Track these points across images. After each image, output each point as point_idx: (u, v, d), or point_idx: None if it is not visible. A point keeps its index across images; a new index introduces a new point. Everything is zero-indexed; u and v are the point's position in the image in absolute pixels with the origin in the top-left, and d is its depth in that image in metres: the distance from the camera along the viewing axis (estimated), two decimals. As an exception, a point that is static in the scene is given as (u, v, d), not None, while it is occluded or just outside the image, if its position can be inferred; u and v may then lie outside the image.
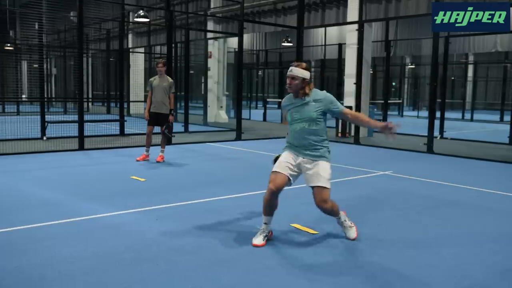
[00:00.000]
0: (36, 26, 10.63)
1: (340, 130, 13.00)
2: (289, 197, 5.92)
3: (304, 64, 4.11)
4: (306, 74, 4.04)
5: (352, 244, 4.13)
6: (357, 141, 11.68)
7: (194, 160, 8.85)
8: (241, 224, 4.66)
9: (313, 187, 4.03)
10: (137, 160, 8.28)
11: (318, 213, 5.12)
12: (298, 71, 4.03)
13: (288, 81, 4.06)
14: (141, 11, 15.47)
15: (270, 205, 4.11)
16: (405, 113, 24.41)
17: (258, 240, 4.04)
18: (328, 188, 4.03)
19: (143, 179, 6.72)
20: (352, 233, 4.23)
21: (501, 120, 19.53)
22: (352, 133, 12.27)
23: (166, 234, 4.29)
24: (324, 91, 4.13)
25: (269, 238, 4.13)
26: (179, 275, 3.38)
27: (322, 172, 4.03)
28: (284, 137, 13.04)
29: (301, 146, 4.07)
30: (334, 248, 4.02)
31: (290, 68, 4.07)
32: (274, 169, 4.08)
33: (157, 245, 3.99)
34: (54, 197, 5.61)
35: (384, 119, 14.89)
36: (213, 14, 16.87)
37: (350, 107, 10.41)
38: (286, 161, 4.07)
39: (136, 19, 16.07)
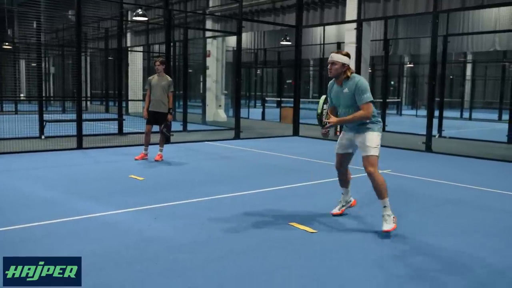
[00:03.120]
0: (34, 25, 10.60)
1: (338, 129, 12.98)
2: (286, 197, 5.92)
3: (344, 51, 4.42)
4: (345, 60, 4.34)
5: (350, 243, 4.13)
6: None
7: (193, 159, 8.85)
8: (240, 222, 4.65)
9: (363, 156, 4.42)
10: (136, 159, 8.27)
11: (316, 212, 5.13)
12: (337, 57, 4.33)
13: (328, 66, 4.36)
14: (140, 10, 15.45)
15: (340, 180, 4.88)
16: (403, 112, 24.42)
17: (335, 209, 4.86)
18: (374, 155, 4.35)
19: (141, 178, 6.72)
20: (388, 225, 4.27)
21: (500, 119, 19.53)
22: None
23: (164, 233, 4.29)
24: (360, 78, 4.34)
25: (351, 206, 5.00)
26: (177, 273, 3.38)
27: (368, 142, 4.36)
28: (282, 136, 13.08)
29: (347, 126, 4.56)
30: (333, 245, 4.02)
31: (331, 55, 4.37)
32: (335, 150, 4.77)
33: (156, 243, 3.99)
34: (52, 195, 5.60)
35: (383, 118, 14.85)
36: (211, 13, 16.84)
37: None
38: (340, 141, 4.68)
39: (134, 18, 16.05)
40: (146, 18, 16.20)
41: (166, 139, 8.79)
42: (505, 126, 12.44)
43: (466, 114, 21.52)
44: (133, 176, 6.81)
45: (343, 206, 4.93)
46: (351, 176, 4.96)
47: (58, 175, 6.99)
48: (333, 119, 4.37)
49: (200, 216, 4.87)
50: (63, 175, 7.03)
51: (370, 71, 16.03)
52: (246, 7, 15.23)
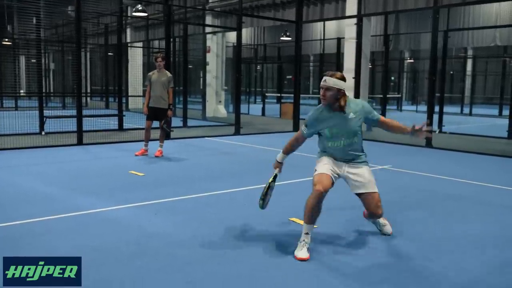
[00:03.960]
0: (34, 21, 10.58)
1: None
2: (286, 192, 5.93)
3: (339, 74, 3.76)
4: (341, 84, 3.70)
5: (351, 238, 4.14)
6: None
7: (193, 155, 8.85)
8: (240, 219, 4.66)
9: (364, 193, 3.89)
10: (136, 155, 8.27)
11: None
12: (332, 81, 3.69)
13: (321, 92, 3.73)
14: (139, 5, 15.41)
15: (316, 211, 3.72)
16: (404, 107, 24.41)
17: (302, 253, 3.61)
18: (378, 192, 3.92)
19: (141, 174, 6.72)
20: (389, 228, 4.19)
21: (500, 114, 19.52)
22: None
23: (164, 228, 4.29)
24: (360, 100, 3.98)
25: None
26: (177, 269, 3.38)
27: (370, 176, 3.91)
28: (282, 132, 13.07)
29: (343, 158, 3.93)
30: (334, 240, 4.02)
31: (324, 78, 3.73)
32: (318, 171, 3.86)
33: (156, 239, 3.99)
34: (52, 191, 5.60)
35: (383, 114, 14.87)
36: (211, 8, 16.81)
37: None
38: (328, 163, 3.89)
39: (134, 13, 16.00)
40: (145, 14, 16.16)
41: (166, 135, 8.78)
42: (506, 121, 12.44)
43: (466, 110, 21.50)
44: (133, 172, 6.81)
45: (309, 248, 3.70)
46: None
47: (58, 171, 6.99)
48: (418, 127, 3.81)
49: (200, 212, 4.87)
50: (63, 171, 7.03)
51: (370, 66, 16.00)
52: (246, 2, 15.20)
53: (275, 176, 4.19)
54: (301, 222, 4.50)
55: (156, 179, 6.50)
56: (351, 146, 3.87)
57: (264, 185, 4.07)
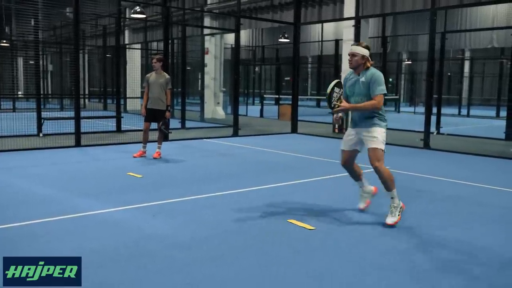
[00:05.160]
0: (32, 22, 10.58)
1: (337, 126, 13.00)
2: (284, 194, 5.93)
3: (363, 43, 4.61)
4: (365, 52, 4.49)
5: (348, 240, 4.15)
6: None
7: (191, 156, 8.85)
8: (238, 220, 4.66)
9: (368, 150, 4.52)
10: (134, 157, 8.27)
11: (315, 209, 5.14)
12: (357, 48, 4.50)
13: (349, 58, 4.54)
14: (138, 7, 15.41)
15: (351, 175, 4.95)
16: (402, 109, 24.44)
17: (361, 204, 5.00)
18: (381, 148, 4.46)
19: (140, 176, 6.72)
20: (392, 218, 4.47)
21: (497, 115, 19.58)
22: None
23: (163, 230, 4.29)
24: (377, 72, 4.50)
25: (374, 194, 5.04)
26: (176, 270, 3.39)
27: (375, 134, 4.47)
28: (280, 133, 13.07)
29: (357, 117, 4.60)
30: (332, 242, 4.03)
31: (351, 46, 4.56)
32: (341, 147, 4.81)
33: (154, 241, 4.00)
34: (50, 193, 5.60)
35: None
36: (209, 10, 16.82)
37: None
38: (346, 138, 4.76)
39: (132, 15, 16.00)
40: (144, 16, 16.15)
41: (164, 137, 8.78)
42: (503, 123, 12.48)
43: (464, 111, 21.56)
44: (131, 174, 6.81)
45: (366, 198, 4.99)
46: (362, 171, 4.99)
47: (56, 173, 6.99)
48: (344, 104, 4.48)
49: (199, 214, 4.88)
50: (61, 172, 7.03)
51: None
52: (244, 4, 15.22)
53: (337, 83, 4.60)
54: (299, 223, 4.53)
55: (155, 181, 6.50)
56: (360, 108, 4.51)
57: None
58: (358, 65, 4.51)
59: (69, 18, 18.43)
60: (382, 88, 4.45)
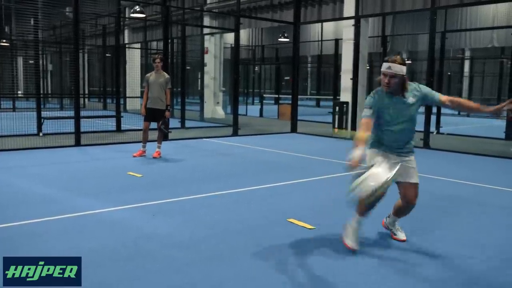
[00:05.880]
0: (32, 22, 10.57)
1: (336, 126, 12.99)
2: (284, 193, 5.93)
3: (399, 58, 3.67)
4: (404, 70, 3.64)
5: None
6: (353, 137, 11.68)
7: (191, 156, 8.85)
8: (238, 219, 4.66)
9: (407, 183, 3.81)
10: (134, 156, 8.26)
11: (314, 208, 5.14)
12: (397, 67, 3.60)
13: (386, 80, 3.62)
14: (137, 7, 15.41)
15: (372, 207, 3.77)
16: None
17: (352, 243, 3.81)
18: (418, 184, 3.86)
19: (139, 175, 6.72)
20: (403, 234, 4.13)
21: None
22: (349, 128, 12.28)
23: (162, 230, 4.29)
24: (416, 83, 3.82)
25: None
26: (175, 270, 3.38)
27: (415, 166, 3.86)
28: (280, 133, 13.05)
29: (397, 145, 3.80)
30: (333, 242, 4.03)
31: (387, 64, 3.61)
32: (375, 168, 3.52)
33: (154, 240, 3.99)
34: (50, 193, 5.60)
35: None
36: (209, 9, 16.81)
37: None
38: (383, 161, 3.67)
39: (132, 15, 15.99)
40: (143, 15, 16.14)
41: (164, 136, 8.78)
42: (503, 122, 12.47)
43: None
44: (131, 173, 6.81)
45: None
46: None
47: (56, 172, 6.98)
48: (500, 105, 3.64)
49: (198, 213, 4.88)
50: (61, 172, 7.02)
51: (368, 68, 16.01)
52: (244, 3, 15.21)
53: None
54: (300, 223, 4.52)
55: (154, 180, 6.50)
56: (405, 132, 3.77)
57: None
58: (398, 87, 3.66)
59: (68, 17, 18.42)
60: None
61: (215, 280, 3.24)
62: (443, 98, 3.79)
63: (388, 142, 3.80)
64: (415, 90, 3.74)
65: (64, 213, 4.68)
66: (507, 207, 5.43)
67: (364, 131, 3.63)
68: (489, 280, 3.35)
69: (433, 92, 3.81)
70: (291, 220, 4.61)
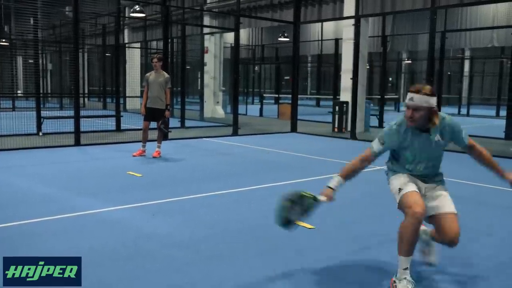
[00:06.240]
0: (31, 21, 10.56)
1: (336, 125, 13.00)
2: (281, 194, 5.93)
3: (428, 88, 3.03)
4: (432, 102, 3.01)
5: (349, 239, 4.13)
6: (353, 136, 11.69)
7: (191, 156, 8.84)
8: (238, 219, 4.66)
9: (444, 214, 3.14)
10: (134, 156, 8.25)
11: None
12: (422, 99, 2.99)
13: (408, 113, 3.03)
14: (137, 6, 15.40)
15: (416, 239, 3.07)
16: (401, 108, 24.43)
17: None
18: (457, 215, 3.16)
19: (139, 175, 6.71)
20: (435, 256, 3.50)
21: (497, 115, 19.56)
22: (349, 128, 12.27)
23: (162, 229, 4.28)
24: (448, 116, 3.18)
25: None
26: (175, 270, 3.38)
27: (449, 196, 3.24)
28: (279, 132, 13.03)
29: (422, 180, 3.28)
30: (333, 241, 4.02)
31: (410, 95, 3.03)
32: (404, 190, 3.11)
33: (154, 240, 3.99)
34: (50, 192, 5.59)
35: (381, 115, 14.90)
36: (209, 9, 16.81)
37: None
38: (410, 181, 3.21)
39: (132, 14, 15.99)
40: (143, 15, 16.14)
41: (164, 136, 8.77)
42: (503, 122, 12.47)
43: (464, 110, 21.54)
44: (131, 173, 6.80)
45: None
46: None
47: (55, 172, 6.98)
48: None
49: (198, 213, 4.87)
50: (60, 172, 7.02)
51: (368, 67, 16.02)
52: (243, 3, 15.21)
53: (314, 199, 3.32)
54: (299, 223, 4.50)
55: (154, 180, 6.49)
56: (429, 169, 3.27)
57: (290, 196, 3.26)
58: (424, 122, 3.06)
59: (68, 17, 18.41)
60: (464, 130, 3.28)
61: (215, 279, 3.23)
62: (471, 143, 3.32)
63: (411, 172, 3.29)
64: (445, 126, 3.14)
65: (64, 213, 4.67)
66: (508, 207, 5.42)
67: (351, 164, 3.33)
68: (489, 281, 3.35)
69: (463, 134, 3.23)
70: (291, 220, 4.60)
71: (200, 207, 5.09)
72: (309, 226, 4.41)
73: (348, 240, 4.11)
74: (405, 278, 2.99)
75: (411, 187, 3.13)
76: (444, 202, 3.17)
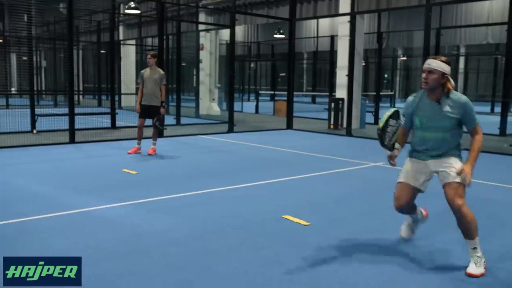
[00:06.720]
0: (25, 18, 10.49)
1: (332, 122, 13.02)
2: (280, 190, 5.93)
3: (443, 57, 3.48)
4: (446, 68, 3.38)
5: (343, 236, 4.14)
6: (349, 133, 11.71)
7: (186, 153, 8.82)
8: (233, 216, 4.65)
9: (445, 184, 3.45)
10: (129, 153, 8.23)
11: (310, 204, 5.14)
12: (436, 63, 3.37)
13: (424, 75, 3.41)
14: (132, 3, 15.34)
15: (403, 213, 3.79)
16: (397, 105, 24.43)
17: (404, 232, 3.89)
18: (463, 184, 3.41)
19: (134, 172, 6.69)
20: (478, 269, 3.39)
21: (492, 111, 19.62)
22: (344, 125, 12.29)
23: (158, 226, 4.28)
24: (465, 97, 3.44)
25: (425, 217, 3.95)
26: (171, 266, 3.37)
27: (457, 165, 3.45)
28: (275, 129, 13.04)
29: (430, 155, 3.52)
30: (328, 238, 4.03)
31: (428, 61, 3.43)
32: (399, 179, 3.62)
33: (149, 237, 3.98)
34: (45, 190, 5.57)
35: (376, 111, 14.92)
36: (204, 5, 16.76)
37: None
38: (413, 170, 3.58)
39: (127, 11, 15.93)
40: (138, 11, 16.08)
41: (159, 133, 8.75)
42: (498, 118, 12.51)
43: (459, 107, 21.57)
44: (126, 170, 6.78)
45: (412, 228, 3.93)
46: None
47: (50, 170, 6.95)
48: (468, 175, 3.40)
49: (194, 210, 4.86)
50: (55, 169, 6.99)
51: (363, 64, 16.04)
52: (239, 0, 15.18)
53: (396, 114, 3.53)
54: (295, 219, 4.52)
55: (149, 177, 6.48)
56: (440, 143, 3.47)
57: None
58: (436, 86, 3.38)
59: (62, 13, 18.31)
60: (477, 117, 3.49)
61: (212, 276, 3.23)
62: (477, 129, 3.50)
63: (420, 148, 3.55)
64: (457, 101, 3.39)
65: (60, 211, 4.65)
66: (503, 204, 5.44)
67: (399, 136, 3.59)
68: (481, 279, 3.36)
69: (474, 116, 3.45)
70: (287, 216, 4.61)
71: (196, 204, 5.09)
72: (304, 223, 4.42)
73: (343, 236, 4.11)
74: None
75: (402, 178, 3.64)
76: (447, 175, 3.44)
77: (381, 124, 3.48)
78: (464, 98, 3.43)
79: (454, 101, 3.40)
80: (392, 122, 3.50)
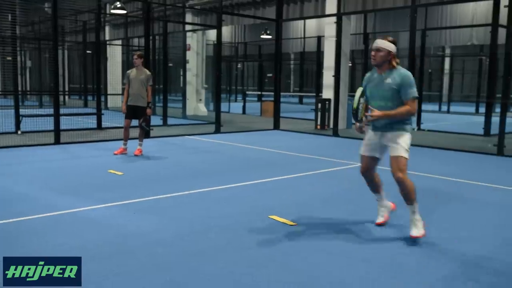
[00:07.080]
0: (9, 18, 10.36)
1: (319, 122, 13.07)
2: (266, 190, 5.93)
3: (389, 37, 4.05)
4: (392, 47, 3.97)
5: (328, 236, 4.16)
6: (336, 133, 11.76)
7: (173, 153, 8.79)
8: (220, 216, 4.65)
9: (390, 158, 4.02)
10: (115, 154, 8.18)
11: (296, 205, 5.15)
12: (383, 43, 3.96)
13: (372, 53, 4.00)
14: (118, 3, 15.23)
15: (370, 185, 4.41)
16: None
17: (379, 219, 4.42)
18: (405, 157, 3.95)
19: (121, 173, 6.65)
20: (417, 230, 3.95)
21: (477, 112, 19.89)
22: (331, 125, 12.34)
23: (144, 227, 4.25)
24: (405, 72, 3.98)
25: (392, 210, 4.48)
26: (157, 267, 3.36)
27: (400, 140, 3.97)
28: (262, 130, 13.05)
29: (380, 125, 4.05)
30: (313, 238, 4.04)
31: (376, 41, 4.01)
32: (360, 152, 4.31)
33: (136, 238, 3.96)
34: (30, 191, 5.50)
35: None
36: (191, 6, 16.72)
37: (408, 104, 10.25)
38: (367, 142, 4.22)
39: (112, 11, 15.81)
40: (124, 11, 15.97)
41: (145, 134, 8.70)
42: (482, 119, 12.67)
43: (444, 108, 21.84)
44: (112, 171, 6.73)
45: (384, 212, 4.43)
46: (382, 183, 4.44)
47: (35, 171, 6.87)
48: (376, 112, 3.90)
49: (180, 211, 4.85)
50: (40, 170, 6.91)
51: (350, 64, 16.13)
52: (226, 0, 15.17)
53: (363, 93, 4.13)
54: (281, 219, 4.52)
55: (136, 178, 6.44)
56: (384, 110, 3.95)
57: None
58: (383, 62, 3.96)
59: (47, 13, 18.12)
60: (415, 91, 3.94)
61: (198, 276, 3.22)
62: (409, 104, 3.93)
63: (375, 124, 4.09)
64: (398, 75, 3.94)
65: (44, 212, 4.60)
66: (485, 202, 5.51)
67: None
68: (466, 276, 3.40)
69: (409, 90, 3.91)
70: (273, 216, 4.61)
71: (182, 205, 5.07)
72: (290, 223, 4.43)
73: (329, 236, 4.13)
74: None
75: (362, 150, 4.29)
76: (392, 149, 4.00)
77: (355, 104, 4.05)
78: (405, 72, 3.97)
79: (398, 74, 3.95)
80: (361, 100, 4.07)
